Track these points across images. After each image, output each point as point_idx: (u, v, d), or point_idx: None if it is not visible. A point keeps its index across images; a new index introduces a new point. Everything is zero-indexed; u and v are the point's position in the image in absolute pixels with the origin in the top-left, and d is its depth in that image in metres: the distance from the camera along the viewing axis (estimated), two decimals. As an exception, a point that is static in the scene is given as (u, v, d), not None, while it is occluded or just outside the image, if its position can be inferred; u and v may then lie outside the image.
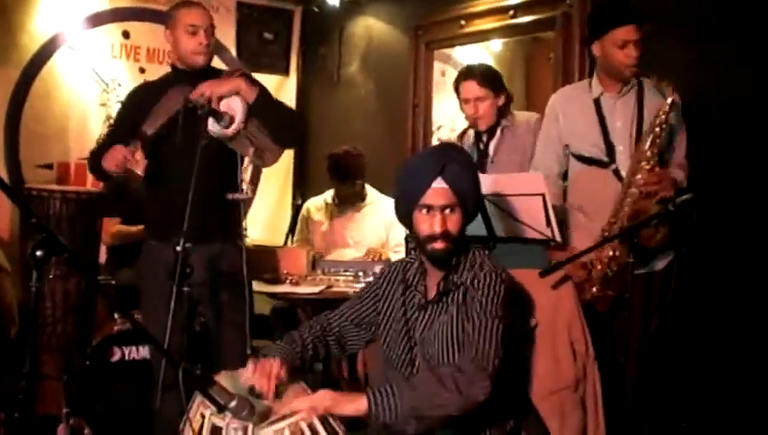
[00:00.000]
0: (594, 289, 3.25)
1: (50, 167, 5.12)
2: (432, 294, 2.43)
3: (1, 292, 4.15)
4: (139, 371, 3.94)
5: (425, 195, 2.33)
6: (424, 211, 2.34)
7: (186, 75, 3.37)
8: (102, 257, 4.64)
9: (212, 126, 3.15)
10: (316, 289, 4.15)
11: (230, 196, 3.28)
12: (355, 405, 2.11)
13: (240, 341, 3.33)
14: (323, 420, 2.04)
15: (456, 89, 3.87)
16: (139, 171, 3.17)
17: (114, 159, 3.16)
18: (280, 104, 3.44)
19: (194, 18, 3.32)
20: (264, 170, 5.95)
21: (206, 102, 3.13)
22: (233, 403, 2.00)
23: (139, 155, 3.16)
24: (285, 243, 5.19)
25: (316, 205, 4.98)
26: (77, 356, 3.82)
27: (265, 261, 4.40)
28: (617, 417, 3.10)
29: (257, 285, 4.17)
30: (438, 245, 2.33)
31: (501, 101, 3.80)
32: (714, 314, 3.55)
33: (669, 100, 3.14)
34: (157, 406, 3.02)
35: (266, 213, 6.19)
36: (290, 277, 4.33)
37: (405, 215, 2.42)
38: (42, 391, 3.95)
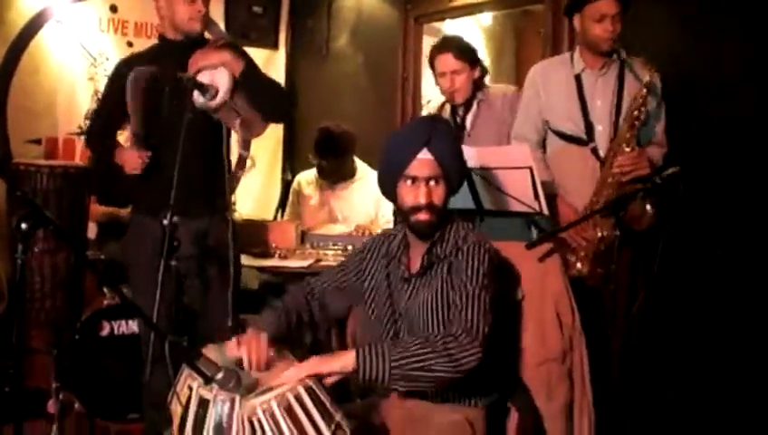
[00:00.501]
0: (579, 265, 3.28)
1: (38, 142, 5.09)
2: (416, 266, 2.44)
3: (-11, 267, 4.15)
4: (128, 345, 3.94)
5: (410, 166, 2.33)
6: (409, 182, 2.35)
7: (174, 46, 3.35)
8: (92, 233, 4.64)
9: (197, 98, 3.14)
10: (305, 263, 4.17)
11: (239, 172, 3.31)
12: (342, 362, 2.14)
13: (222, 316, 3.33)
14: (309, 390, 2.05)
15: (432, 62, 3.87)
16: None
17: (132, 166, 3.25)
18: (266, 77, 3.41)
19: None
20: (254, 145, 5.83)
21: (191, 75, 3.12)
22: (219, 375, 2.01)
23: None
24: (275, 217, 5.19)
25: (307, 178, 4.97)
26: (66, 331, 3.82)
27: (254, 235, 4.41)
28: (603, 389, 3.13)
29: (246, 259, 4.17)
30: (423, 216, 2.34)
31: (476, 73, 3.81)
32: (702, 285, 3.57)
33: (646, 80, 3.15)
34: (145, 379, 3.03)
35: (256, 187, 6.17)
36: (279, 251, 4.34)
37: (389, 186, 2.42)
38: (31, 365, 3.97)
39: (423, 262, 2.40)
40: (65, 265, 3.59)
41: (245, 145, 3.32)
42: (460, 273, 2.31)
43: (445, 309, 2.33)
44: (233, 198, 5.32)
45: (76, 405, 3.96)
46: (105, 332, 4.04)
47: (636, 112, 3.20)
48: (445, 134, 2.39)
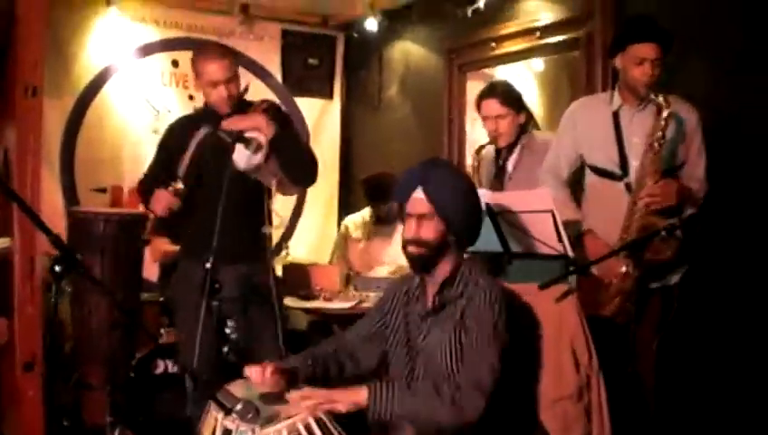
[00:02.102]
0: (616, 301, 3.31)
1: (104, 190, 5.37)
2: (429, 305, 2.56)
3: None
4: (180, 382, 4.12)
5: (407, 204, 2.52)
6: (407, 218, 2.54)
7: (216, 113, 3.51)
8: (155, 275, 4.85)
9: (238, 157, 3.32)
10: (347, 304, 4.31)
11: (264, 230, 3.48)
12: (354, 398, 2.28)
13: (274, 354, 3.48)
14: (319, 421, 2.19)
15: (478, 106, 3.97)
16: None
17: (160, 206, 3.41)
18: (297, 145, 3.55)
19: (213, 74, 3.43)
20: (310, 191, 6.13)
21: (233, 130, 3.31)
22: (238, 406, 2.17)
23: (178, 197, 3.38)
24: (330, 261, 5.36)
25: (354, 222, 5.14)
26: (122, 368, 4.03)
27: (300, 278, 4.59)
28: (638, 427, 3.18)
29: (292, 301, 4.34)
30: (411, 248, 2.52)
31: (521, 119, 3.88)
32: (732, 327, 3.57)
33: (665, 113, 3.18)
34: (188, 414, 3.21)
35: (312, 232, 6.36)
36: (323, 293, 4.50)
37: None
38: (90, 401, 4.18)
39: (435, 302, 2.53)
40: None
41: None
42: (472, 321, 2.43)
43: (457, 351, 2.44)
44: (288, 244, 5.55)
45: (131, 440, 4.15)
46: (159, 370, 4.25)
47: (656, 145, 3.20)
48: (439, 175, 2.53)
